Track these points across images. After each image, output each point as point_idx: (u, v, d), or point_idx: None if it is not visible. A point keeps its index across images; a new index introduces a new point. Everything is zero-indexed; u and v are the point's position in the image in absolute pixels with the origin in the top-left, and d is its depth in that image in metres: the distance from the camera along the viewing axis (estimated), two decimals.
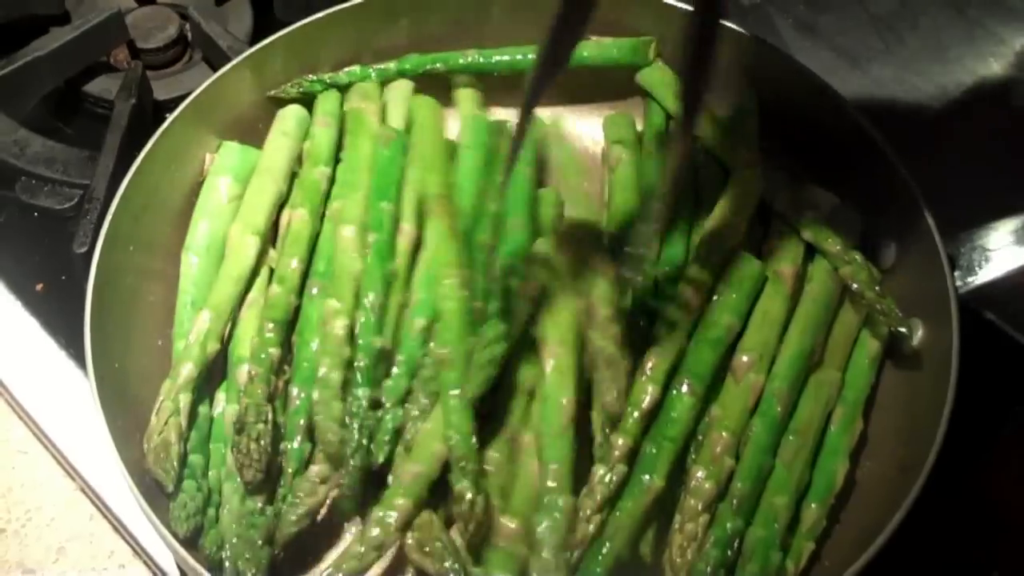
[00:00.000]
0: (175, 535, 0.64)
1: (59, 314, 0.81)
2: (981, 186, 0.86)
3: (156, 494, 0.67)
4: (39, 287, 0.83)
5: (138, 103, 0.87)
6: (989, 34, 0.96)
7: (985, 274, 0.72)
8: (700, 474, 0.66)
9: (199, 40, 0.94)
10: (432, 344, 0.70)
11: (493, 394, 0.69)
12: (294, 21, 0.83)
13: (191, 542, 0.65)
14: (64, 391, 0.77)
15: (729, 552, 0.65)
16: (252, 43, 0.87)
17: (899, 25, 0.97)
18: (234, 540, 0.66)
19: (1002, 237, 0.73)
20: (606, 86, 0.88)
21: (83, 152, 0.86)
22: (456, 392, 0.67)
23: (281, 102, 0.83)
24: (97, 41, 0.91)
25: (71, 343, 0.79)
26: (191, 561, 0.62)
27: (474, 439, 0.66)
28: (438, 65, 0.85)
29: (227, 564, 0.65)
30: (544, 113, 0.86)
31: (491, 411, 0.69)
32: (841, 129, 0.78)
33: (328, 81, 0.84)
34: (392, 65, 0.85)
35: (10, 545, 0.74)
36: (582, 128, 0.89)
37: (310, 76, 0.83)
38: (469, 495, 0.64)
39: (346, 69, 0.84)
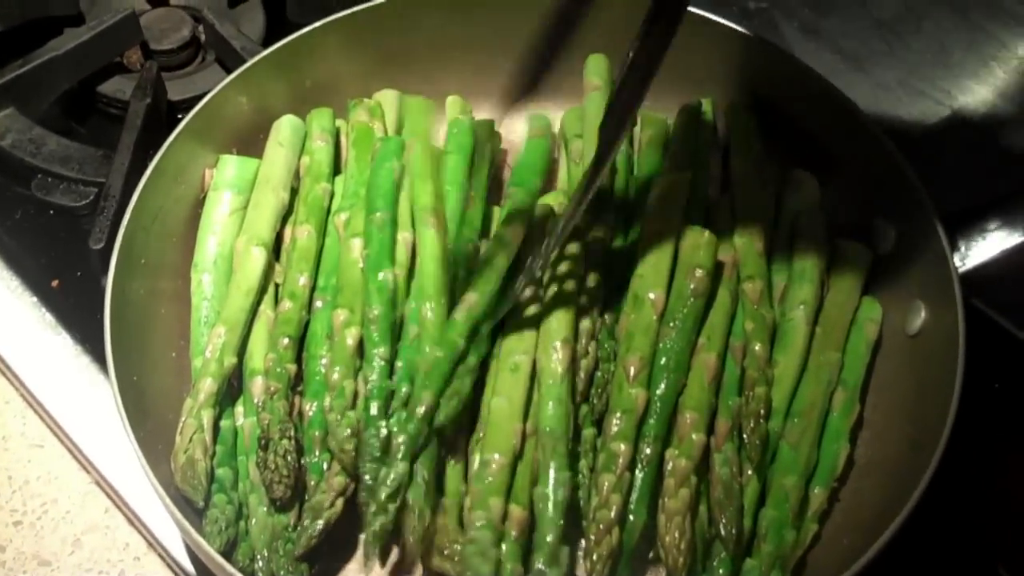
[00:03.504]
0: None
1: (74, 310, 0.81)
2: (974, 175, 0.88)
3: (186, 508, 0.67)
4: (55, 283, 0.83)
5: (153, 103, 0.88)
6: (991, 38, 0.98)
7: (973, 259, 0.73)
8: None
9: (212, 41, 0.95)
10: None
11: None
12: (307, 23, 0.84)
13: (226, 555, 0.65)
14: (80, 386, 0.78)
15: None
16: (265, 44, 0.89)
17: (902, 29, 0.99)
18: (265, 553, 0.66)
19: (989, 223, 0.74)
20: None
21: (98, 151, 0.87)
22: (421, 409, 0.67)
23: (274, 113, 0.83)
24: (111, 42, 0.92)
25: (86, 338, 0.80)
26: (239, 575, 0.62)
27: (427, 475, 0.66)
28: None
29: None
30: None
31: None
32: (841, 122, 0.79)
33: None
34: None
35: (26, 537, 0.74)
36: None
37: None
38: (418, 508, 0.65)
39: None
